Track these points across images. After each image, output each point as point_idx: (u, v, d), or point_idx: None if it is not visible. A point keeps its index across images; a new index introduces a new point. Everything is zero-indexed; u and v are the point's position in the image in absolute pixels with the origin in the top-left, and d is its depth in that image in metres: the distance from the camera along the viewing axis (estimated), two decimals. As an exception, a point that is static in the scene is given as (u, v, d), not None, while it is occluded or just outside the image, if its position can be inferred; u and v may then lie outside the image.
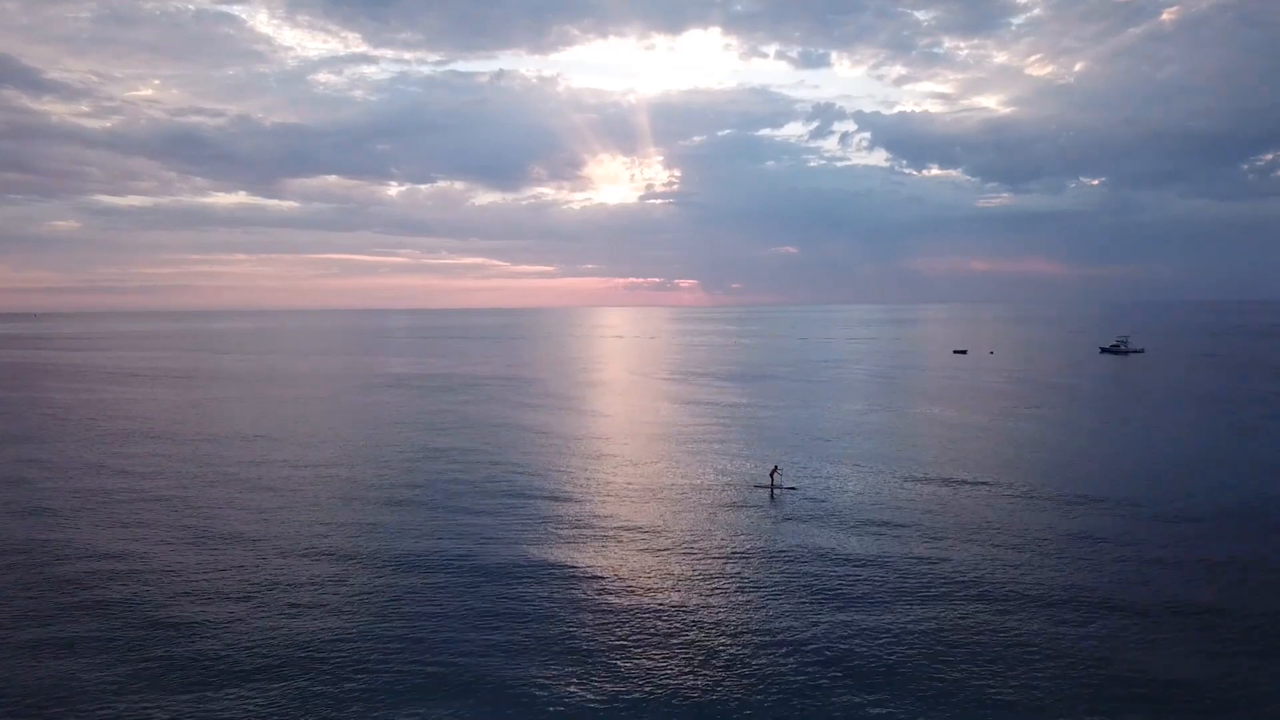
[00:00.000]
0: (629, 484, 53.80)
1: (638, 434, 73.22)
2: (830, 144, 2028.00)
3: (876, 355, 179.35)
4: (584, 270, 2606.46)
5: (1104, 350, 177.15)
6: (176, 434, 74.05)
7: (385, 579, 35.35)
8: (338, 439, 70.57)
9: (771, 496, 50.19)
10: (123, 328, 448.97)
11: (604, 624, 30.60)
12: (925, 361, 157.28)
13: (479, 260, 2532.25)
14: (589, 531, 42.90)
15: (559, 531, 42.95)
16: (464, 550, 39.49)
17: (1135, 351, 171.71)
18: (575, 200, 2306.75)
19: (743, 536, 41.54)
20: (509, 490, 51.94)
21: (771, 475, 52.69)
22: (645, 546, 40.23)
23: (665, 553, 39.16)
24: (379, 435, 72.51)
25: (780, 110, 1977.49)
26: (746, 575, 35.63)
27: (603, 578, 35.73)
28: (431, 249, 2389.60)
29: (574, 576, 35.86)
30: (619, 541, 41.16)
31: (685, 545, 40.25)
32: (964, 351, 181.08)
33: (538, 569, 36.87)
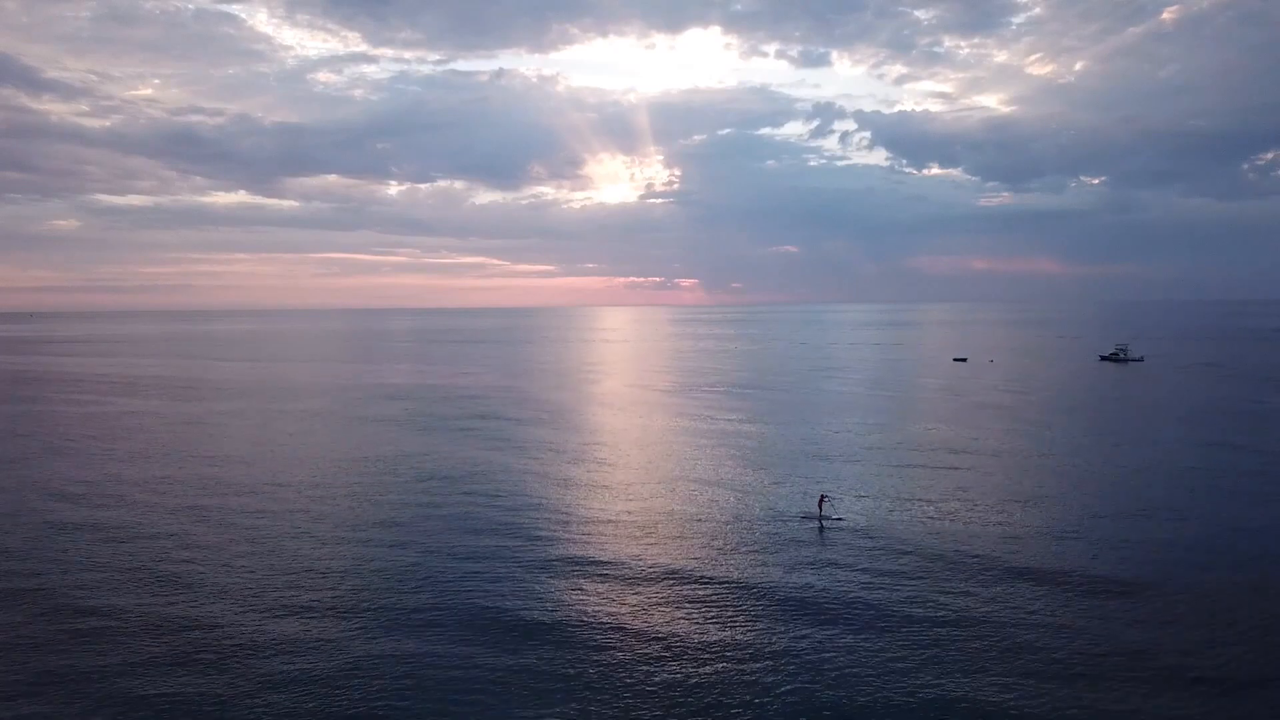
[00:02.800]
0: (665, 517, 51.32)
1: (657, 458, 70.75)
2: (830, 143, 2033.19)
3: (879, 364, 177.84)
4: (584, 269, 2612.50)
5: (1104, 358, 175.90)
6: (153, 458, 72.25)
7: (382, 642, 33.60)
8: (328, 465, 68.64)
9: (820, 529, 48.26)
10: (117, 329, 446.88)
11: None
12: (927, 371, 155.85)
13: (479, 259, 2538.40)
14: (623, 579, 40.15)
15: (587, 579, 40.11)
16: (466, 604, 37.07)
17: (1135, 360, 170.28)
18: (575, 199, 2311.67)
19: (802, 582, 39.23)
20: (516, 529, 48.81)
21: (819, 505, 50.68)
22: (697, 600, 37.45)
23: (726, 609, 36.74)
24: (371, 463, 70.29)
25: (780, 109, 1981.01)
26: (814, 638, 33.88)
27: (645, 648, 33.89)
28: (432, 248, 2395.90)
29: (605, 640, 33.68)
30: (674, 599, 37.95)
31: (741, 598, 37.52)
32: (964, 359, 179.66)
33: (557, 628, 34.28)
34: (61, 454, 74.47)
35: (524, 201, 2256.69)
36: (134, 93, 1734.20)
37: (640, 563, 42.59)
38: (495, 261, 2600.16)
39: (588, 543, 46.31)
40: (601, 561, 42.97)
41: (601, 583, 39.87)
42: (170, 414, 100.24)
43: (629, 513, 52.55)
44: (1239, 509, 52.17)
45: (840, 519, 49.73)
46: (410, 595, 38.08)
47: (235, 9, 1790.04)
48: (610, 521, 50.67)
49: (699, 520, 50.45)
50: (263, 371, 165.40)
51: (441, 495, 57.36)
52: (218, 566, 42.31)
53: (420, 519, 51.19)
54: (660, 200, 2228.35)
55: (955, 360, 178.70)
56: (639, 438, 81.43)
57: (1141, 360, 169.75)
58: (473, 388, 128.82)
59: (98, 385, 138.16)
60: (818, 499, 51.50)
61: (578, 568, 42.05)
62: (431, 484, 60.88)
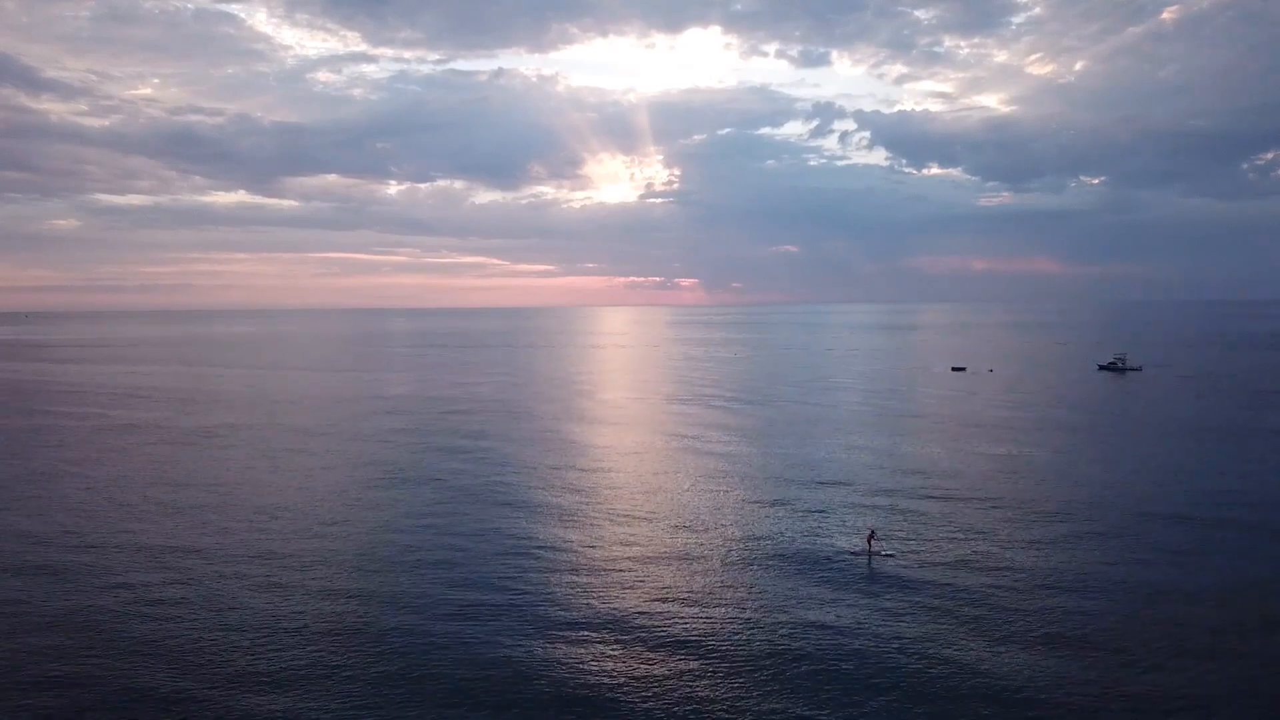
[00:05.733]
0: (684, 554, 49.41)
1: (663, 485, 68.72)
2: (830, 143, 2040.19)
3: (878, 374, 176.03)
4: (584, 269, 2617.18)
5: (1102, 367, 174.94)
6: (131, 487, 70.25)
7: None
8: (313, 496, 66.79)
9: (869, 563, 47.38)
10: (114, 332, 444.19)
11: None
12: (927, 382, 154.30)
13: (479, 259, 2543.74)
14: (647, 641, 37.10)
15: (602, 641, 37.10)
16: (452, 674, 34.41)
17: (1133, 369, 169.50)
18: (575, 199, 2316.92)
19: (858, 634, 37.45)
20: (519, 578, 45.61)
21: (868, 541, 49.57)
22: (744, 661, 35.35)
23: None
24: (358, 494, 68.26)
25: (780, 109, 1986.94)
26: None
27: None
28: (432, 248, 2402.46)
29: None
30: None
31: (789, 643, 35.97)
32: (963, 369, 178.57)
33: (560, 703, 32.20)
34: (33, 479, 72.60)
35: (524, 201, 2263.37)
36: (133, 92, 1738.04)
37: (661, 619, 40.00)
38: (495, 261, 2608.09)
39: (602, 594, 43.09)
40: (621, 617, 39.76)
41: (622, 645, 36.82)
42: (160, 431, 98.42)
43: (643, 553, 50.12)
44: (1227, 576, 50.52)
45: (890, 554, 48.69)
46: (391, 661, 35.79)
47: (234, 9, 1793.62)
48: (627, 565, 47.84)
49: (731, 558, 48.49)
50: (260, 381, 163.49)
51: (433, 534, 54.89)
52: (182, 627, 39.51)
53: (408, 565, 48.23)
54: (660, 200, 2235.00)
55: (954, 369, 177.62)
56: (641, 462, 79.17)
57: (1139, 370, 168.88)
58: (470, 399, 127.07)
59: (86, 397, 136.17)
60: (867, 535, 50.34)
61: (590, 626, 39.02)
62: (423, 520, 58.39)
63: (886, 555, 48.47)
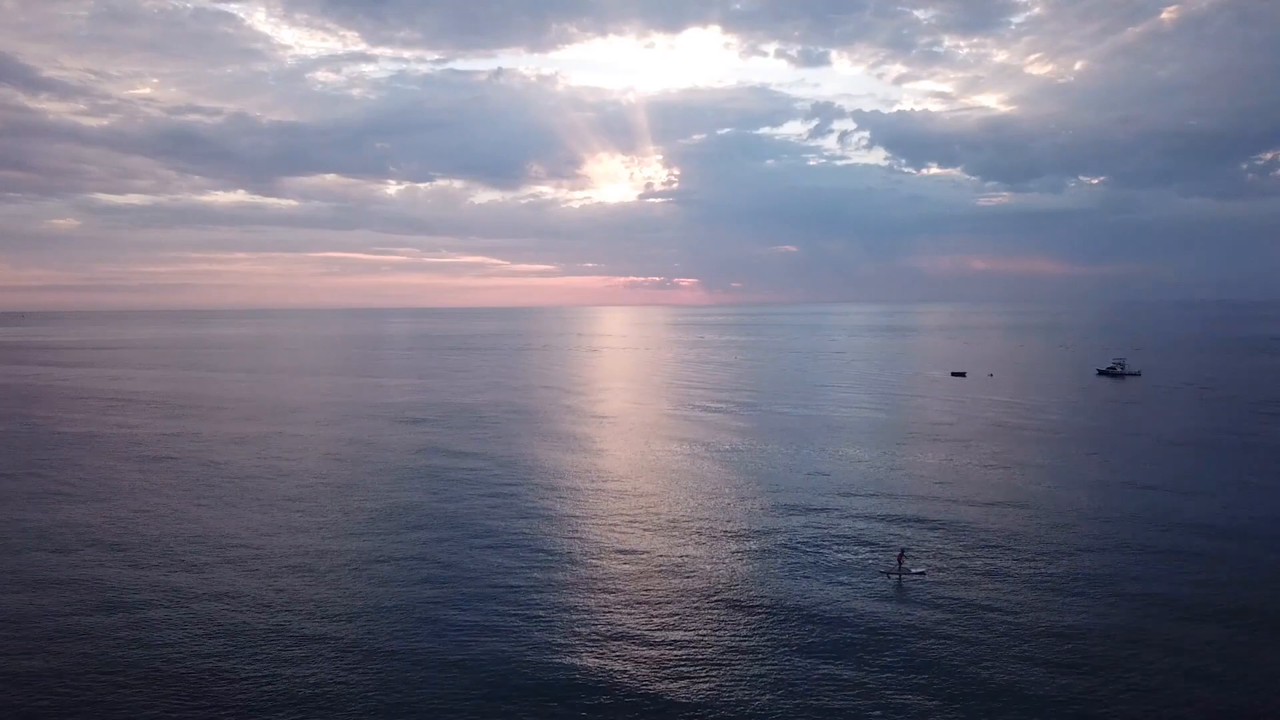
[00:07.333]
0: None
1: (670, 500, 68.53)
2: (829, 143, 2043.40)
3: (880, 381, 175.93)
4: (584, 269, 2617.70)
5: (1101, 373, 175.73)
6: (99, 509, 69.29)
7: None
8: (295, 517, 65.78)
9: (899, 584, 47.64)
10: (111, 334, 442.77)
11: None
12: (928, 389, 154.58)
13: (479, 259, 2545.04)
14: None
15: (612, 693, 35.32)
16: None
17: (1132, 374, 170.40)
18: (574, 199, 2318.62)
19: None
20: (521, 615, 43.63)
21: (899, 560, 49.77)
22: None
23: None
24: (353, 513, 67.77)
25: (780, 109, 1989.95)
26: None
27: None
28: (431, 247, 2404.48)
29: None
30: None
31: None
32: (963, 374, 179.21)
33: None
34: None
35: (523, 201, 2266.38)
36: (132, 92, 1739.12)
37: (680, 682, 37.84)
38: (495, 261, 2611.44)
39: (595, 646, 40.23)
40: (616, 675, 36.97)
41: (617, 708, 34.47)
42: (141, 442, 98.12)
43: (642, 592, 47.55)
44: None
45: (921, 571, 49.11)
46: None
47: (233, 8, 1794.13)
48: (624, 610, 44.96)
49: (740, 589, 47.60)
50: (255, 386, 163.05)
51: (421, 569, 51.50)
52: (147, 692, 35.53)
53: (393, 610, 44.59)
54: (660, 200, 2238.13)
55: (954, 375, 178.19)
56: (639, 484, 78.24)
57: (1138, 375, 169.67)
58: (464, 407, 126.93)
59: (77, 402, 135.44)
60: (897, 555, 50.55)
61: (582, 679, 36.86)
62: (412, 548, 55.77)
63: (917, 573, 48.69)
